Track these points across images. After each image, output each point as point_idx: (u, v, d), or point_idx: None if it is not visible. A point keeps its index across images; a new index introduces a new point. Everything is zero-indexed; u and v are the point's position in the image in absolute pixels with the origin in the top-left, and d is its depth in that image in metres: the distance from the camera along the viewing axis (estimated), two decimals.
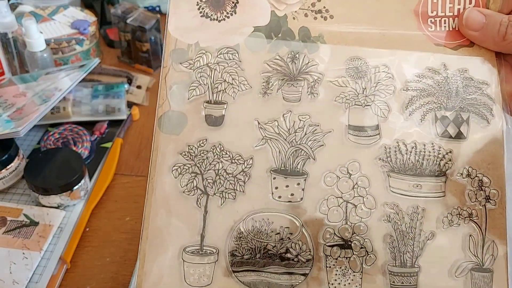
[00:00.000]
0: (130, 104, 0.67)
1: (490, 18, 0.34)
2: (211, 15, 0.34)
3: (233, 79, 0.33)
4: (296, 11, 0.34)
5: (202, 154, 0.32)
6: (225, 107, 0.33)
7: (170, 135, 0.32)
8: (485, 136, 0.32)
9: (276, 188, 0.31)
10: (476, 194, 0.31)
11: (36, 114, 0.51)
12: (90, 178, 0.55)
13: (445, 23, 0.35)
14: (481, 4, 0.35)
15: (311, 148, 0.32)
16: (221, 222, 0.31)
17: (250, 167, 0.32)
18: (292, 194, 0.31)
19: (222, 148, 0.32)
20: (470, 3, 0.35)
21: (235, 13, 0.34)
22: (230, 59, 0.33)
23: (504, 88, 0.33)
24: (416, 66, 0.34)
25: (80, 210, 0.52)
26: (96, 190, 0.54)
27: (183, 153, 0.32)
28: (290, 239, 0.31)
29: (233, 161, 0.32)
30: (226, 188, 0.31)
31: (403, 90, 0.33)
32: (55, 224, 0.49)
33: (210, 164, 0.32)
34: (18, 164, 0.53)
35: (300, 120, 0.32)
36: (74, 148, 0.57)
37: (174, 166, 0.32)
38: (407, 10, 0.35)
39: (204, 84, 0.33)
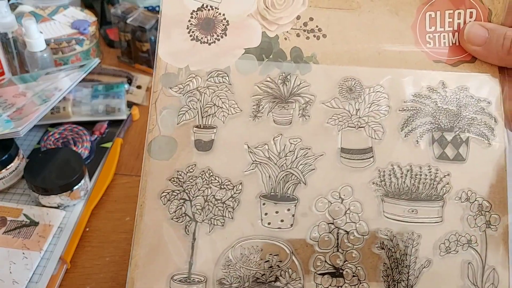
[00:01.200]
0: (130, 104, 0.75)
1: (493, 32, 0.36)
2: (201, 38, 0.37)
3: (223, 102, 0.36)
4: (287, 31, 0.37)
5: (191, 180, 0.35)
6: (215, 131, 0.36)
7: (159, 160, 0.36)
8: (486, 158, 0.34)
9: (266, 214, 0.34)
10: (475, 219, 0.33)
11: (36, 114, 0.56)
12: (90, 178, 0.61)
13: (444, 38, 0.37)
14: (483, 18, 0.36)
15: (302, 173, 0.34)
16: (209, 249, 0.34)
17: (240, 192, 0.34)
18: (282, 221, 0.34)
19: (211, 174, 0.35)
20: (471, 17, 0.37)
21: (226, 35, 0.37)
22: (220, 82, 0.36)
23: (507, 106, 0.35)
24: (413, 85, 0.36)
25: (80, 210, 0.57)
26: (96, 190, 0.59)
27: (172, 179, 0.35)
28: (279, 267, 0.33)
29: (222, 186, 0.34)
30: (214, 215, 0.34)
31: (399, 110, 0.35)
32: (55, 224, 0.54)
33: (199, 190, 0.34)
34: (18, 164, 0.59)
35: (291, 143, 0.35)
36: (74, 148, 0.63)
37: (163, 193, 0.35)
38: (404, 27, 0.37)
39: (194, 109, 0.36)
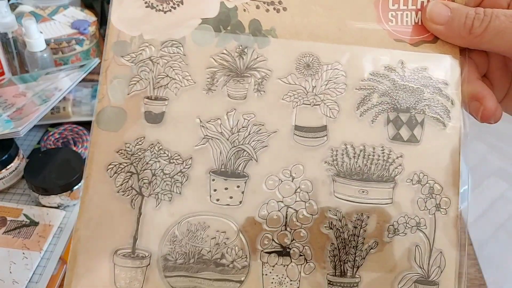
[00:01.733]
0: None
1: (455, 11, 0.35)
2: (157, 5, 0.36)
3: (176, 73, 0.35)
4: (247, 3, 0.36)
5: (139, 153, 0.34)
6: (166, 103, 0.34)
7: (108, 131, 0.34)
8: (440, 140, 0.34)
9: (215, 190, 0.33)
10: (426, 202, 0.33)
11: (36, 114, 0.57)
12: None
13: (407, 17, 0.36)
14: None
15: (254, 149, 0.33)
16: (155, 224, 0.33)
17: (189, 167, 0.33)
18: (231, 197, 0.33)
19: (160, 147, 0.33)
20: None
21: (182, 3, 0.36)
22: (174, 53, 0.35)
23: (465, 89, 0.35)
24: (372, 64, 0.35)
25: None
26: None
27: (120, 151, 0.34)
28: (226, 244, 0.32)
29: (171, 161, 0.33)
30: (162, 189, 0.33)
31: (356, 89, 0.34)
32: (55, 224, 0.54)
33: (147, 163, 0.33)
34: (18, 164, 0.59)
35: (245, 119, 0.34)
36: (74, 148, 0.64)
37: (110, 165, 0.34)
38: (367, 3, 0.36)
39: (146, 79, 0.35)
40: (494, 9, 0.35)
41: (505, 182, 1.67)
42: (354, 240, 0.34)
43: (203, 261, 0.35)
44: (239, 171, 0.35)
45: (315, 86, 0.36)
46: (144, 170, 0.36)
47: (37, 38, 0.69)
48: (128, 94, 0.37)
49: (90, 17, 0.83)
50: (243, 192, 0.35)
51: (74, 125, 0.68)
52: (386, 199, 0.35)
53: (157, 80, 0.37)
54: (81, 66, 0.70)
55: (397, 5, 0.38)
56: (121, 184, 0.35)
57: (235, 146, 0.36)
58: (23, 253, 0.50)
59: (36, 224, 0.54)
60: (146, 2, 0.38)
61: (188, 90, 0.37)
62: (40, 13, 0.83)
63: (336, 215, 0.34)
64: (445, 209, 0.34)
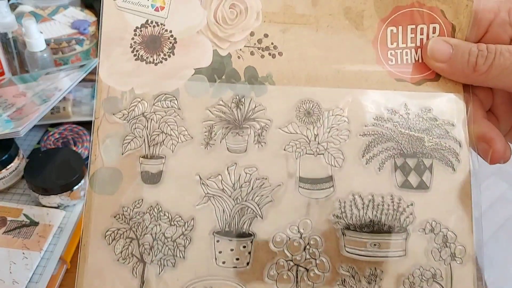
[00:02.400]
0: None
1: (458, 48, 0.34)
2: (147, 57, 0.34)
3: (171, 129, 0.33)
4: (241, 49, 0.34)
5: (138, 217, 0.32)
6: (164, 161, 0.33)
7: (103, 195, 0.33)
8: (450, 185, 0.33)
9: (220, 252, 0.31)
10: (440, 252, 0.31)
11: (36, 114, 0.56)
12: None
13: (407, 55, 0.35)
14: (446, 33, 0.34)
15: (258, 205, 0.32)
16: None
17: (191, 229, 0.32)
18: (237, 259, 0.31)
19: (160, 209, 0.32)
20: (434, 32, 0.35)
21: (173, 54, 0.34)
22: (168, 107, 0.33)
23: (472, 129, 0.33)
24: (374, 107, 0.34)
25: (80, 210, 0.57)
26: None
27: (117, 216, 0.32)
28: None
29: (172, 223, 0.32)
30: (164, 255, 0.31)
31: (360, 135, 0.33)
32: (55, 224, 0.54)
33: (147, 227, 0.32)
34: (18, 164, 0.59)
35: (246, 173, 0.32)
36: (74, 148, 0.64)
37: (107, 231, 0.32)
38: (364, 43, 0.35)
39: (140, 137, 0.33)
40: (497, 45, 0.34)
41: (505, 182, 1.68)
42: None
43: None
44: (244, 230, 0.34)
45: (318, 134, 0.35)
46: (145, 234, 0.34)
47: (37, 38, 0.69)
48: (122, 154, 0.35)
49: (90, 17, 0.83)
50: (250, 253, 0.34)
51: (74, 125, 0.68)
52: (399, 251, 0.33)
53: (152, 137, 0.35)
54: (81, 66, 0.70)
55: (396, 44, 0.36)
56: (121, 252, 0.34)
57: (238, 203, 0.34)
58: (23, 253, 0.50)
59: (36, 224, 0.54)
60: (135, 55, 0.36)
61: (185, 146, 0.35)
62: (40, 13, 0.83)
63: (348, 272, 0.33)
64: (460, 258, 0.33)
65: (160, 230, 0.34)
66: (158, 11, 0.36)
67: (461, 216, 0.34)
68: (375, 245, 0.33)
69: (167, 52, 0.36)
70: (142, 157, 0.35)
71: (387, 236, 0.33)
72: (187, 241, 0.34)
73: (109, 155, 0.35)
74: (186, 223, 0.34)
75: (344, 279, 0.33)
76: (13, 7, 0.83)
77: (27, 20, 0.68)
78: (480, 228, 0.34)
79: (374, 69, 0.36)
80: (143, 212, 0.34)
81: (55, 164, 0.56)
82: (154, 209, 0.34)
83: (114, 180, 0.35)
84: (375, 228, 0.34)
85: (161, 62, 0.36)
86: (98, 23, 0.86)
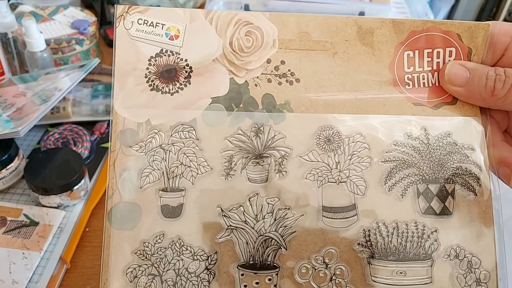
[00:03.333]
0: None
1: (475, 72, 0.34)
2: (162, 87, 0.33)
3: (190, 161, 0.33)
4: (258, 77, 0.34)
5: (159, 252, 0.31)
6: (184, 194, 0.32)
7: (122, 231, 0.32)
8: (473, 210, 0.33)
9: (245, 286, 0.31)
10: (465, 278, 0.31)
11: (36, 114, 0.56)
12: (90, 178, 0.61)
13: (423, 79, 0.35)
14: (462, 57, 0.34)
15: (282, 236, 0.32)
16: None
17: (215, 263, 0.31)
18: None
19: (182, 243, 0.31)
20: (450, 55, 0.35)
21: (190, 83, 0.33)
22: (186, 138, 0.33)
23: (491, 153, 0.34)
24: (394, 132, 0.34)
25: (80, 210, 0.58)
26: (96, 190, 0.60)
27: (138, 252, 0.31)
28: None
29: (195, 257, 0.31)
30: None
31: (381, 162, 0.33)
32: (55, 224, 0.54)
33: (169, 263, 0.31)
34: (18, 164, 0.59)
35: (269, 203, 0.32)
36: (74, 148, 0.64)
37: (128, 268, 0.31)
38: (381, 68, 0.34)
39: (159, 169, 0.32)
40: None
41: (502, 218, 1.69)
42: None
43: None
44: (269, 262, 0.33)
45: (339, 162, 0.35)
46: (167, 270, 0.33)
47: (37, 38, 0.69)
48: (141, 188, 0.34)
49: (90, 17, 0.83)
50: (275, 285, 0.33)
51: (74, 125, 0.68)
52: (425, 278, 0.33)
53: (171, 169, 0.35)
54: (81, 66, 0.70)
55: (412, 68, 0.36)
56: None
57: (262, 235, 0.34)
58: (23, 253, 0.50)
59: (36, 224, 0.54)
60: (150, 85, 0.35)
61: (205, 177, 0.35)
62: (40, 13, 0.83)
63: None
64: (485, 283, 0.33)
65: (183, 265, 0.33)
66: (173, 39, 0.36)
67: (484, 241, 0.34)
68: (401, 273, 0.33)
69: (183, 82, 0.35)
70: (161, 190, 0.34)
71: (412, 264, 0.33)
72: (211, 276, 0.33)
73: (127, 189, 0.34)
74: (209, 257, 0.33)
75: None
76: (13, 7, 0.84)
77: (27, 20, 0.68)
78: (503, 252, 0.34)
79: (391, 94, 0.36)
80: (165, 247, 0.33)
81: (55, 164, 0.56)
82: (176, 244, 0.34)
83: (133, 215, 0.34)
84: (401, 256, 0.33)
85: (177, 92, 0.35)
86: (98, 23, 0.89)
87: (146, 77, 0.35)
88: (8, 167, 0.58)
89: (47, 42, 0.73)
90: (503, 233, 0.34)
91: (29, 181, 0.55)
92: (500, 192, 0.35)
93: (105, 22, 0.96)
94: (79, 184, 0.56)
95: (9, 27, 0.74)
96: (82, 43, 0.79)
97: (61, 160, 0.57)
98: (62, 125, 0.68)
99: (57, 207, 0.57)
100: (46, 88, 0.64)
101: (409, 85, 0.36)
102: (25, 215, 0.55)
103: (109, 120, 0.67)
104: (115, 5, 0.36)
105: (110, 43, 0.91)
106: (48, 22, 0.81)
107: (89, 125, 0.69)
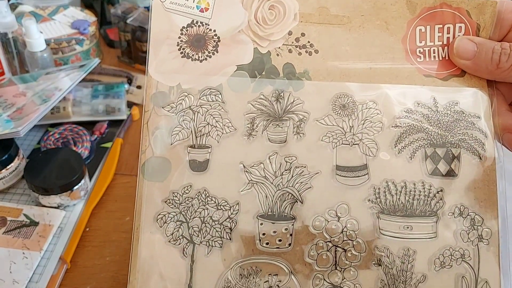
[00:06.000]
0: (130, 104, 0.75)
1: (482, 46, 0.37)
2: (192, 55, 0.37)
3: (216, 121, 0.36)
4: (279, 47, 0.37)
5: (187, 201, 0.35)
6: (210, 151, 0.36)
7: (154, 182, 0.35)
8: (477, 173, 0.35)
9: (264, 234, 0.34)
10: (468, 234, 0.34)
11: (36, 114, 0.57)
12: (90, 178, 0.61)
13: (434, 52, 0.38)
14: (471, 32, 0.37)
15: (298, 191, 0.35)
16: (208, 271, 0.34)
17: (237, 213, 0.34)
18: (280, 240, 0.34)
19: (207, 194, 0.35)
20: (460, 31, 0.37)
21: (217, 52, 0.37)
22: (213, 101, 0.36)
23: (496, 121, 0.36)
24: (405, 101, 0.37)
25: (80, 210, 0.58)
26: (96, 190, 0.60)
27: (168, 201, 0.35)
28: (279, 286, 0.34)
29: (219, 207, 0.34)
30: (212, 236, 0.34)
31: (392, 127, 0.36)
32: (55, 224, 0.55)
33: (195, 211, 0.34)
34: (18, 164, 0.59)
35: (287, 162, 0.35)
36: (74, 148, 0.64)
37: (159, 215, 0.35)
38: (395, 41, 0.37)
39: (187, 128, 0.36)
40: None
41: (505, 182, 1.69)
42: (403, 276, 0.36)
43: None
44: (286, 214, 0.37)
45: (353, 126, 0.38)
46: (193, 218, 0.37)
47: (37, 38, 0.69)
48: (171, 144, 0.38)
49: (90, 17, 0.83)
50: (291, 234, 0.36)
51: (74, 125, 0.68)
52: (430, 233, 0.36)
53: (198, 129, 0.38)
54: (81, 66, 0.70)
55: (424, 42, 0.39)
56: (172, 234, 0.37)
57: (280, 189, 0.37)
58: (23, 253, 0.50)
59: (36, 224, 0.54)
60: (181, 53, 0.39)
61: (230, 136, 0.38)
62: (40, 13, 0.83)
63: (383, 252, 0.36)
64: (487, 239, 0.36)
65: (208, 214, 0.37)
66: (203, 12, 0.39)
67: (487, 202, 0.36)
68: (407, 227, 0.36)
69: (211, 50, 0.39)
70: (189, 147, 0.38)
71: (419, 220, 0.36)
72: (233, 224, 0.37)
73: (158, 146, 0.38)
74: (232, 208, 0.37)
75: (380, 259, 0.36)
76: (13, 7, 0.83)
77: (27, 20, 0.68)
78: (505, 212, 0.37)
79: (403, 65, 0.39)
80: (192, 197, 0.37)
81: (55, 164, 0.56)
82: (202, 195, 0.37)
83: (164, 168, 0.38)
84: (408, 212, 0.36)
85: (206, 59, 0.39)
86: (98, 23, 0.90)
87: (178, 45, 0.39)
88: (8, 167, 0.57)
89: (47, 42, 0.73)
90: (505, 196, 0.37)
91: (29, 181, 0.55)
92: (503, 159, 0.37)
93: (105, 22, 0.95)
94: (79, 184, 0.56)
95: (9, 27, 0.73)
96: (82, 43, 0.79)
97: (61, 160, 0.57)
98: (62, 125, 0.68)
99: (57, 207, 0.56)
100: (46, 88, 0.64)
101: (420, 58, 0.39)
102: (25, 215, 0.55)
103: (108, 120, 0.71)
104: None
105: (110, 43, 0.91)
106: (48, 22, 0.81)
107: (89, 125, 0.69)
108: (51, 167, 0.56)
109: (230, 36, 0.39)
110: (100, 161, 0.65)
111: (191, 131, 0.38)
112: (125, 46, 0.85)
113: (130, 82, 0.80)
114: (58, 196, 0.55)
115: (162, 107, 0.38)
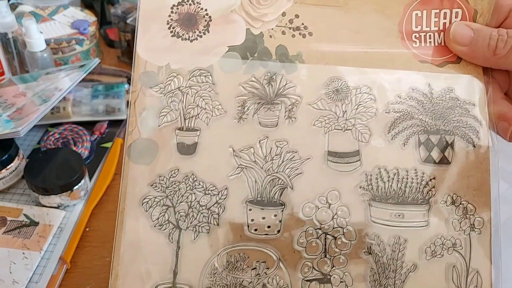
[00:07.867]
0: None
1: (478, 33, 0.36)
2: (183, 34, 0.35)
3: (206, 103, 0.35)
4: (273, 29, 0.36)
5: (174, 185, 0.34)
6: (198, 134, 0.35)
7: (140, 165, 0.34)
8: (470, 161, 0.34)
9: (252, 220, 0.33)
10: (460, 223, 0.33)
11: (36, 114, 0.56)
12: (90, 178, 0.61)
13: (430, 38, 0.37)
14: (468, 18, 0.36)
15: (288, 177, 0.34)
16: (194, 257, 0.33)
17: (225, 198, 0.33)
18: (268, 227, 0.33)
19: (195, 179, 0.34)
20: (457, 17, 0.37)
21: (208, 32, 0.36)
22: (203, 82, 0.35)
23: (491, 109, 0.35)
24: (399, 86, 0.36)
25: (80, 210, 0.57)
26: (96, 190, 0.60)
27: (154, 184, 0.34)
28: (266, 274, 0.33)
29: (206, 192, 0.34)
30: (199, 222, 0.33)
31: (385, 112, 0.35)
32: (55, 224, 0.54)
33: (182, 196, 0.33)
34: (18, 164, 0.59)
35: (277, 146, 0.34)
36: (74, 148, 0.64)
37: (144, 199, 0.34)
38: (391, 25, 0.36)
39: (176, 110, 0.35)
40: None
41: (505, 182, 1.69)
42: (393, 264, 0.35)
43: None
44: (275, 200, 0.36)
45: (346, 111, 0.37)
46: (180, 202, 0.36)
47: (37, 38, 0.69)
48: (159, 126, 0.37)
49: (90, 17, 0.83)
50: (280, 221, 0.36)
51: (74, 125, 0.68)
52: (422, 221, 0.35)
53: (187, 111, 0.37)
54: (81, 66, 0.70)
55: (420, 27, 0.38)
56: (158, 218, 0.35)
57: (269, 175, 0.36)
58: (23, 253, 0.50)
59: (36, 224, 0.54)
60: (171, 32, 0.38)
61: (219, 119, 0.37)
62: (40, 13, 0.83)
63: (374, 240, 0.35)
64: (479, 229, 0.35)
65: (195, 199, 0.36)
66: None
67: (479, 191, 0.36)
68: (399, 215, 0.35)
69: (202, 30, 0.38)
70: (178, 129, 0.37)
71: (410, 208, 0.36)
72: (221, 209, 0.36)
73: (145, 127, 0.37)
74: (220, 192, 0.36)
75: (370, 247, 0.35)
76: (13, 7, 0.83)
77: (27, 20, 0.68)
78: (497, 202, 0.36)
79: (399, 50, 0.38)
80: (179, 181, 0.36)
81: (55, 164, 0.56)
82: (189, 179, 0.36)
83: (151, 151, 0.36)
84: (400, 200, 0.36)
85: (196, 39, 0.38)
86: (98, 23, 0.88)
87: (168, 23, 0.38)
88: (8, 167, 0.57)
89: (47, 42, 0.72)
90: (498, 185, 0.36)
91: (29, 181, 0.55)
92: (497, 147, 0.37)
93: (105, 22, 0.94)
94: (79, 184, 0.56)
95: (9, 27, 0.73)
96: (82, 43, 0.78)
97: (61, 160, 0.57)
98: (62, 125, 0.67)
99: (57, 207, 0.56)
100: (46, 88, 0.64)
101: (416, 43, 0.38)
102: (25, 215, 0.55)
103: (108, 120, 0.70)
104: None
105: (110, 43, 0.90)
106: (48, 22, 0.81)
107: (89, 125, 0.69)
108: (51, 167, 0.56)
109: (222, 16, 0.38)
110: (100, 161, 0.64)
111: (180, 113, 0.37)
112: (125, 46, 0.84)
113: (130, 82, 0.78)
114: (58, 196, 0.55)
115: (150, 88, 0.37)
